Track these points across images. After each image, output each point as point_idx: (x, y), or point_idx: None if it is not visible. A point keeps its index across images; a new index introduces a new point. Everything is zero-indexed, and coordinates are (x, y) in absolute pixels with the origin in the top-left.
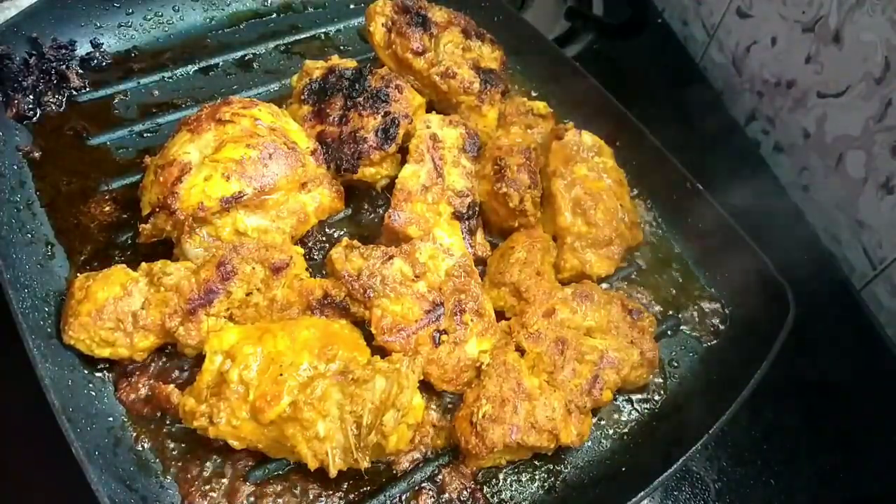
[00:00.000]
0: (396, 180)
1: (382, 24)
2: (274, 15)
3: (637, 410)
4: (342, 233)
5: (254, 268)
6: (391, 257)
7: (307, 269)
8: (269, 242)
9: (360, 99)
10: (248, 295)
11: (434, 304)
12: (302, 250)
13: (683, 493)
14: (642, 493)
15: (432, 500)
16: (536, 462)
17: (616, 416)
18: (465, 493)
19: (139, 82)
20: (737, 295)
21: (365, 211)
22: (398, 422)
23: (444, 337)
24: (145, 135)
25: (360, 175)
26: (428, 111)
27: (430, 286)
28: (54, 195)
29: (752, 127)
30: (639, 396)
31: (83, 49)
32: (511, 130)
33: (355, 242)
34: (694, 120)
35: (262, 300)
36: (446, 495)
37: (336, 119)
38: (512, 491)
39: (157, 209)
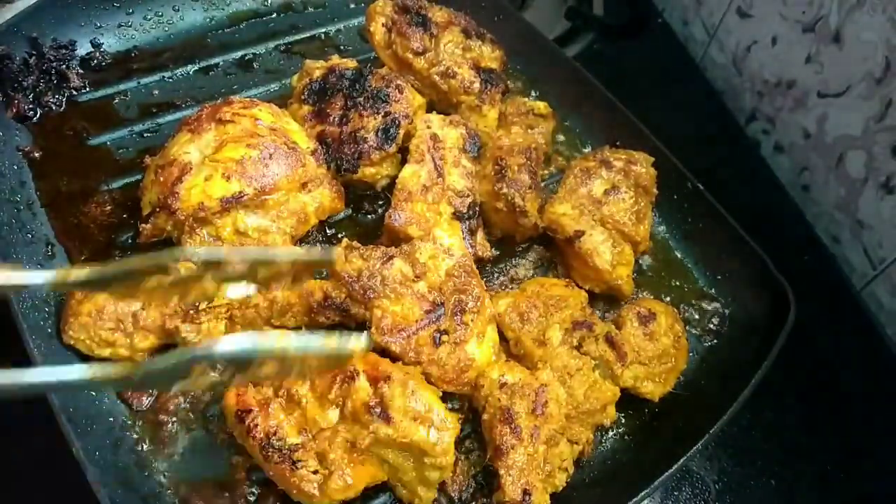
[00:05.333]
0: (397, 180)
1: (382, 24)
2: (274, 15)
3: (637, 410)
4: (342, 233)
5: None
6: (391, 258)
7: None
8: (269, 243)
9: (361, 99)
10: (247, 296)
11: (434, 305)
12: None
13: (683, 493)
14: (642, 493)
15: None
16: None
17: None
18: (465, 493)
19: (139, 82)
20: (737, 295)
21: (365, 211)
22: None
23: (444, 337)
24: (145, 135)
25: (360, 175)
26: (428, 111)
27: (430, 286)
28: (54, 195)
29: (752, 127)
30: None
31: (83, 49)
32: (512, 130)
33: (355, 244)
34: (694, 120)
35: (263, 301)
36: (446, 495)
37: (336, 119)
38: None
39: (158, 209)
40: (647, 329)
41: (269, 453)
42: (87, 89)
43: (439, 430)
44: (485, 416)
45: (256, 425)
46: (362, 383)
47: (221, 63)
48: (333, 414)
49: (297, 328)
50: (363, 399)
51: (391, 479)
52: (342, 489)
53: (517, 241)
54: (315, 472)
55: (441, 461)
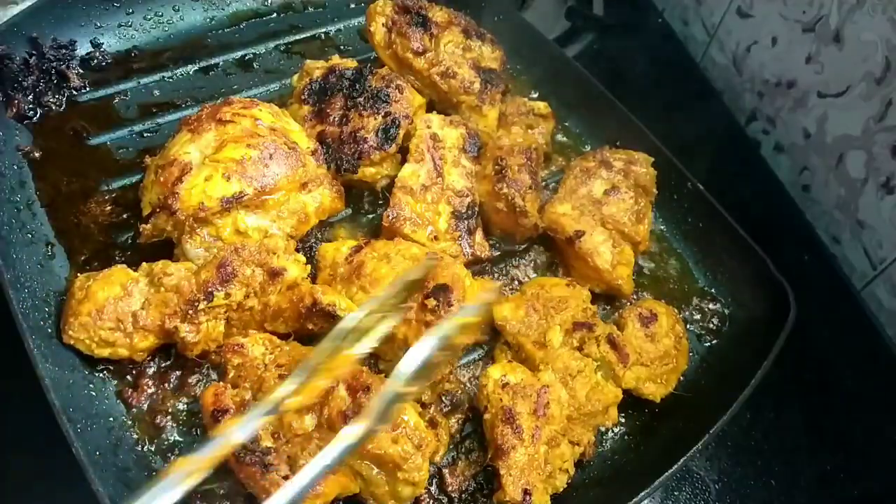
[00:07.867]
0: (396, 179)
1: (383, 24)
2: (274, 15)
3: (637, 410)
4: (343, 234)
5: (253, 270)
6: None
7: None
8: (272, 247)
9: (361, 99)
10: (245, 298)
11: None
12: (304, 259)
13: (683, 493)
14: (642, 493)
15: (432, 499)
16: None
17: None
18: (465, 493)
19: (139, 82)
20: (737, 295)
21: (365, 211)
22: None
23: None
24: (145, 135)
25: (360, 175)
26: (428, 111)
27: None
28: (54, 195)
29: (752, 127)
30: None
31: (83, 49)
32: (512, 130)
33: None
34: (694, 120)
35: (257, 304)
36: (446, 495)
37: (336, 119)
38: None
39: (158, 209)
40: (648, 330)
41: (242, 454)
42: (87, 89)
43: (414, 446)
44: (486, 416)
45: None
46: (341, 392)
47: (221, 63)
48: (310, 420)
49: (286, 335)
50: (340, 407)
51: (363, 493)
52: (311, 498)
53: (517, 241)
54: (285, 478)
55: (413, 476)
